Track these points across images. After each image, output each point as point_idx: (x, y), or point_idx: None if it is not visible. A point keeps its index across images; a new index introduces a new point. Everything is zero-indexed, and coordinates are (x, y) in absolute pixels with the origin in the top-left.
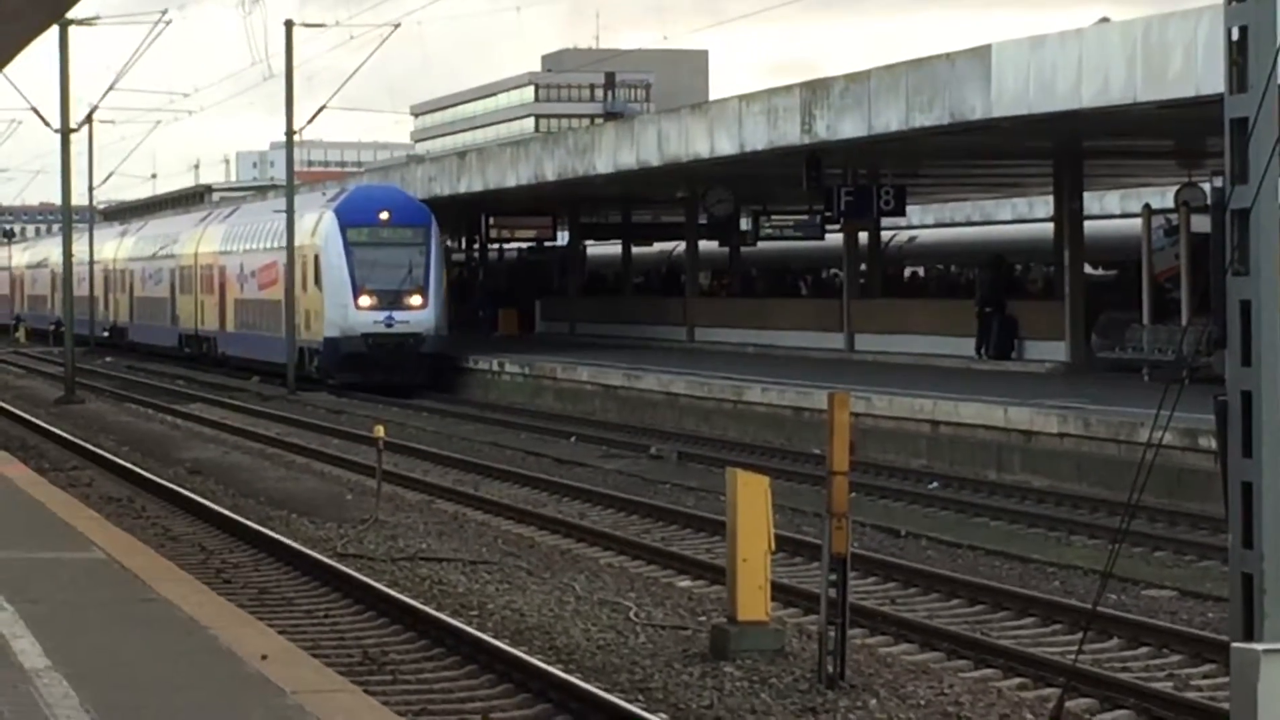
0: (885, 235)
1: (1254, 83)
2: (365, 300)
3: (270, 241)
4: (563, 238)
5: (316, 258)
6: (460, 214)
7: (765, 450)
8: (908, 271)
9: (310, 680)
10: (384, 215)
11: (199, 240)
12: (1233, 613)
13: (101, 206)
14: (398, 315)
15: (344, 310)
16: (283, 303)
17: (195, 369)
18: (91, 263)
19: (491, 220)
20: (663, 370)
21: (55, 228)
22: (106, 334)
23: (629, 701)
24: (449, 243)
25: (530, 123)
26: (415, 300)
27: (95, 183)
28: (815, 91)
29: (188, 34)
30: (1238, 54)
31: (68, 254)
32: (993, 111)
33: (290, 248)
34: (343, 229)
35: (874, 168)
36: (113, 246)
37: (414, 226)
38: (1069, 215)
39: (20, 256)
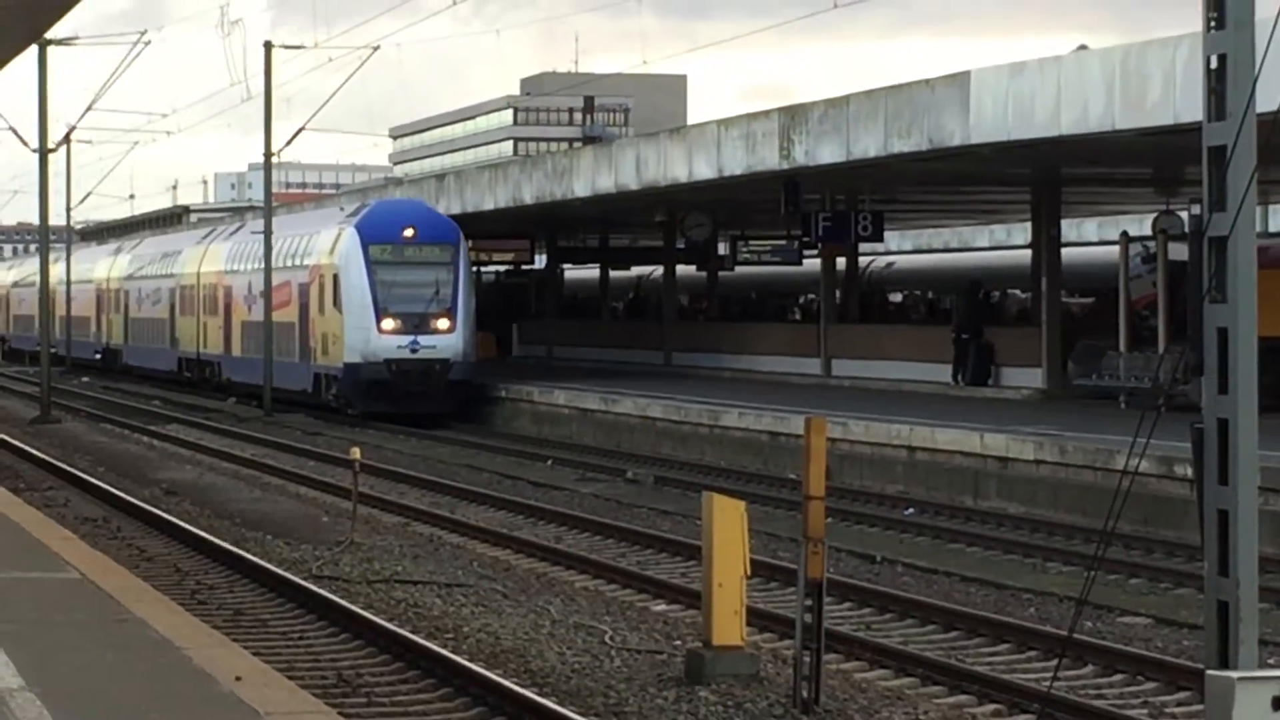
0: (863, 261)
1: (1232, 111)
2: (389, 323)
3: (282, 260)
4: (540, 261)
5: (336, 277)
6: None
7: (741, 475)
8: (895, 297)
9: (284, 702)
10: (409, 232)
11: (201, 259)
12: (1208, 640)
13: (79, 227)
14: (423, 340)
15: (366, 334)
16: (296, 325)
17: (175, 390)
18: (69, 282)
19: (469, 243)
20: (639, 394)
21: (34, 248)
22: (98, 356)
23: None
24: None
25: (509, 146)
26: (443, 324)
27: (73, 203)
28: (794, 117)
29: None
30: (1216, 82)
31: (44, 274)
32: (971, 138)
33: (267, 269)
34: (364, 246)
35: (852, 193)
36: (106, 265)
37: (441, 244)
38: (1047, 242)
39: (5, 275)
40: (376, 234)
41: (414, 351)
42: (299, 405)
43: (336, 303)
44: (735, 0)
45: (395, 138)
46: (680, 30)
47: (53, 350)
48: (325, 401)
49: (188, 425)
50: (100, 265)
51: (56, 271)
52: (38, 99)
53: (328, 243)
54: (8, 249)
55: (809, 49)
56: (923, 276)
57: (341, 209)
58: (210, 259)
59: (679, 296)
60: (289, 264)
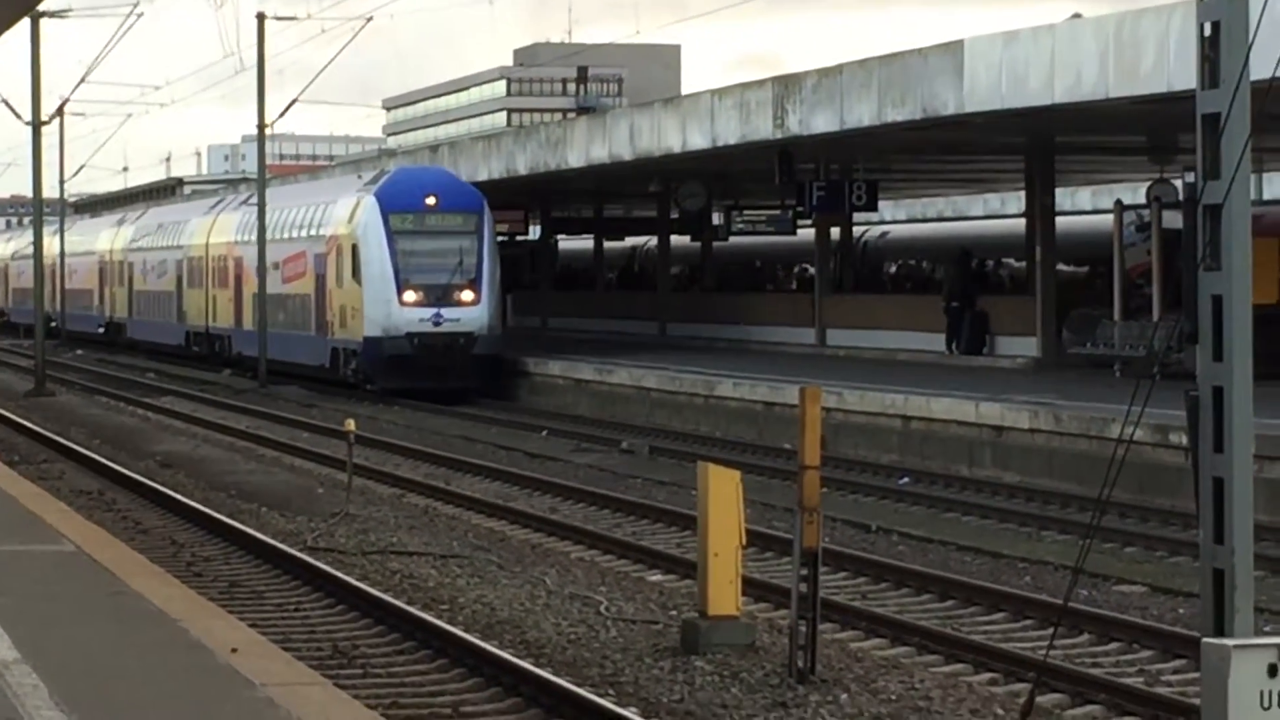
0: (857, 231)
1: (1226, 78)
2: (410, 296)
3: (299, 230)
4: (534, 232)
5: (355, 248)
6: None
7: (737, 445)
8: (890, 267)
9: (280, 673)
10: (430, 200)
11: (210, 229)
12: (1204, 608)
13: (72, 200)
14: (447, 312)
15: (387, 307)
16: (312, 297)
17: (169, 363)
18: (62, 255)
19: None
20: (634, 365)
21: (29, 220)
22: (101, 330)
23: (599, 696)
24: None
25: (502, 117)
26: (467, 295)
27: (66, 175)
28: (787, 86)
29: (159, 27)
30: (1210, 49)
31: (38, 246)
32: (965, 107)
33: (261, 241)
34: (385, 215)
35: (846, 163)
36: (109, 236)
37: (465, 213)
38: (1041, 211)
39: (4, 248)
40: (397, 202)
41: (437, 325)
42: (316, 381)
43: (356, 274)
44: None
45: (389, 109)
46: (668, 1)
47: (53, 324)
48: (343, 377)
49: (182, 397)
50: (103, 236)
51: (56, 244)
52: (31, 72)
53: (345, 211)
54: (1, 221)
55: (799, 18)
56: (917, 246)
57: (359, 176)
58: (220, 229)
59: (679, 266)
60: (305, 234)
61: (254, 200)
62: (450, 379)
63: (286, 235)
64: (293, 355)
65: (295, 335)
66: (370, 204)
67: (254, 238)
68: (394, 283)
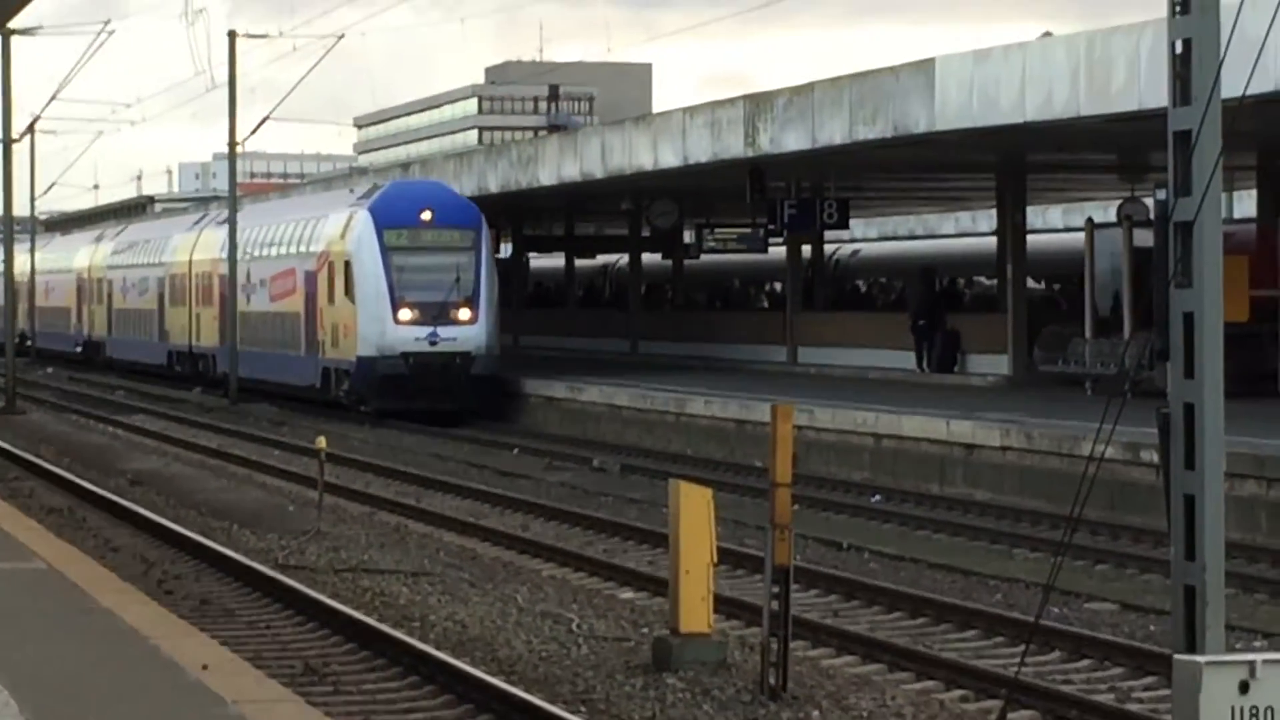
0: (829, 249)
1: (1197, 95)
2: (406, 314)
3: (289, 246)
4: (506, 250)
5: (348, 264)
6: None
7: (708, 463)
8: (861, 285)
9: (251, 690)
10: (426, 215)
11: (194, 246)
12: (1175, 625)
13: (43, 218)
14: (443, 331)
15: (381, 325)
16: (302, 316)
17: (141, 381)
18: (34, 271)
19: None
20: (605, 382)
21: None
22: (79, 349)
23: (571, 713)
24: None
25: (474, 135)
26: (464, 314)
27: (37, 193)
28: (759, 104)
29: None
30: (1181, 67)
31: (9, 264)
32: (936, 125)
33: (232, 259)
34: (379, 231)
35: (817, 181)
36: (87, 253)
37: (462, 228)
38: (1012, 229)
39: None
40: (392, 217)
41: (433, 344)
42: (306, 403)
43: (349, 291)
44: None
45: (360, 127)
46: (638, 20)
47: (29, 343)
48: (335, 398)
49: (153, 415)
50: (81, 253)
51: (37, 261)
52: (1, 89)
53: (337, 227)
54: None
55: (769, 37)
56: (888, 264)
57: (351, 190)
58: (204, 246)
59: (645, 283)
60: (294, 250)
61: (239, 215)
62: (447, 400)
63: (275, 252)
64: (281, 375)
65: (284, 355)
66: (364, 219)
67: (241, 254)
68: (389, 300)
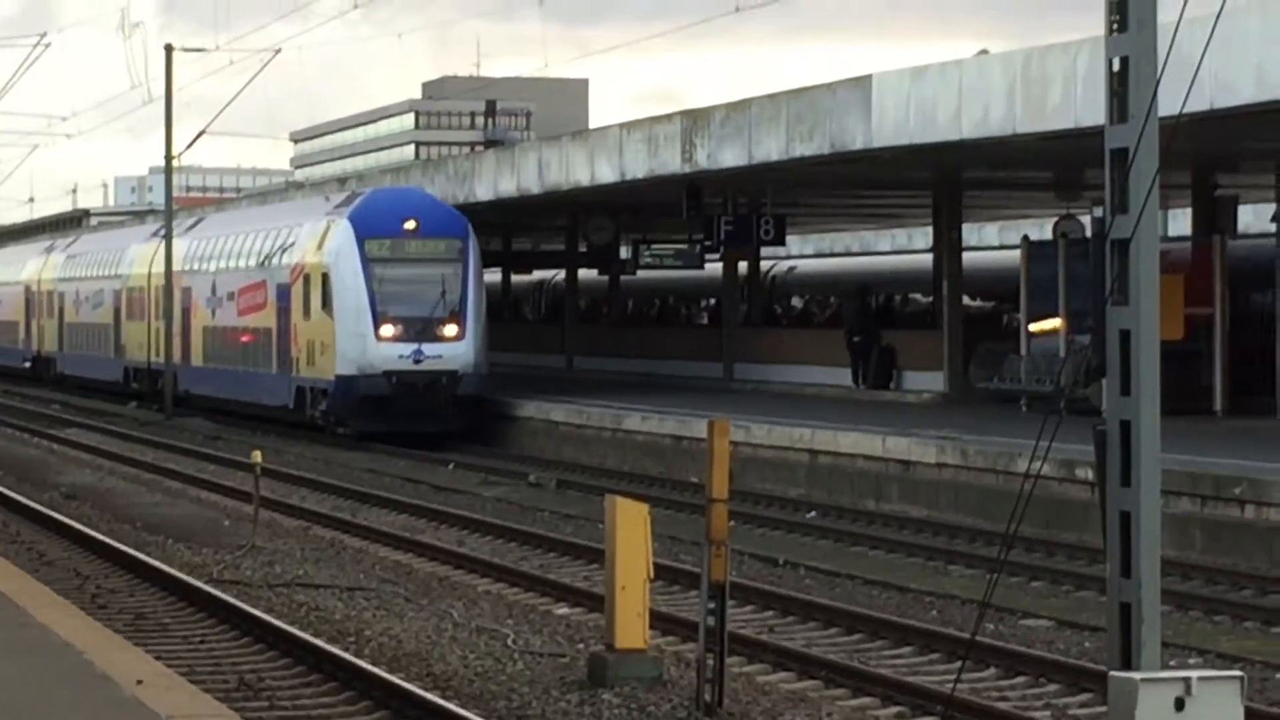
0: (765, 265)
1: (1134, 113)
2: (388, 330)
3: (257, 258)
4: None
5: (325, 277)
6: None
7: (644, 478)
8: (797, 301)
9: (186, 705)
10: (410, 224)
11: (153, 258)
12: (1110, 641)
13: None
14: (428, 349)
15: (361, 342)
16: (274, 332)
17: (76, 395)
18: None
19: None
20: (542, 398)
21: None
22: (28, 365)
23: None
24: None
25: (410, 150)
26: (450, 330)
27: None
28: (696, 120)
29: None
30: (1118, 84)
31: None
32: (873, 141)
33: (168, 274)
34: (360, 241)
35: (754, 197)
36: (36, 265)
37: (448, 238)
38: (948, 246)
39: None
40: (373, 227)
41: (417, 362)
42: (277, 424)
43: (326, 306)
44: (626, 5)
45: (296, 142)
46: (573, 36)
47: None
48: (310, 419)
49: (88, 429)
50: (30, 265)
51: None
52: None
53: (313, 238)
54: None
55: (704, 54)
56: (825, 281)
57: (327, 199)
58: (164, 257)
59: (582, 299)
60: (265, 262)
61: (202, 225)
62: (431, 422)
63: (243, 263)
64: (250, 395)
65: (253, 373)
66: (343, 228)
67: (203, 266)
68: (370, 316)
